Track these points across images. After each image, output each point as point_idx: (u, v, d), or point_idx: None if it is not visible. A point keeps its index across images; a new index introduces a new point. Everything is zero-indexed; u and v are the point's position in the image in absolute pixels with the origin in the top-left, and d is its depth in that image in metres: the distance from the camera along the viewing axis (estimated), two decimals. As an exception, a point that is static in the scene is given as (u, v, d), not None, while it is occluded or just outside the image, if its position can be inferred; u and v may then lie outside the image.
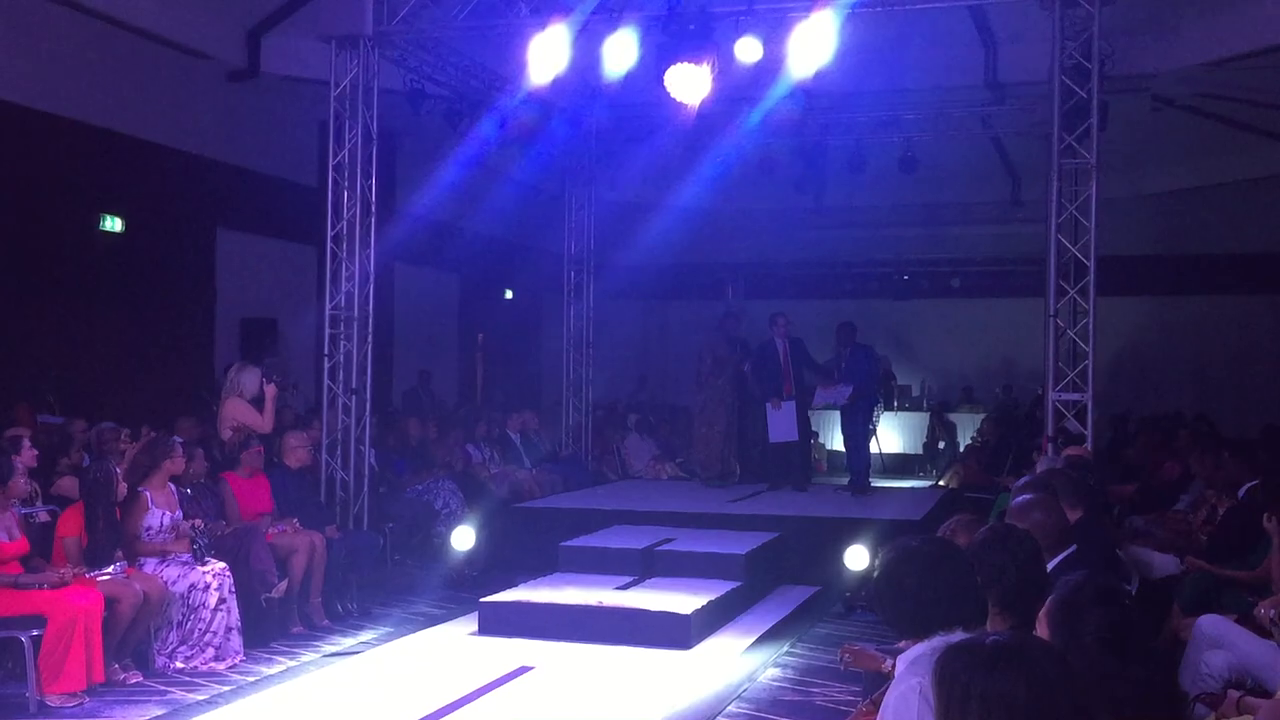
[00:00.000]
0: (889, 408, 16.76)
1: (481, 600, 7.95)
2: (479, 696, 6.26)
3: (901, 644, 3.19)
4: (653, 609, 7.49)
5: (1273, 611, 4.34)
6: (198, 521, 7.30)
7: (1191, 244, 18.40)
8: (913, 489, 13.33)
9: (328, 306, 10.22)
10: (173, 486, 7.24)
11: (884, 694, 3.13)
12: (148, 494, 7.04)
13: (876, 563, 2.86)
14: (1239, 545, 6.38)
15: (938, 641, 2.55)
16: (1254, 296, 18.44)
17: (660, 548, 8.87)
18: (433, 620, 8.22)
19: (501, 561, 9.67)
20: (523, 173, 14.91)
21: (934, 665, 1.76)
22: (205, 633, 6.91)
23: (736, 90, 11.29)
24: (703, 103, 9.78)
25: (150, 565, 6.95)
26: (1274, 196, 17.12)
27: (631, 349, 19.99)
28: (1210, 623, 5.19)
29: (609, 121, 14.33)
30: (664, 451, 15.16)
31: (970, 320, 19.27)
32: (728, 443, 11.67)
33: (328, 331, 10.18)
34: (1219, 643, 5.03)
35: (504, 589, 8.19)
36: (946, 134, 13.63)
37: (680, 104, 9.66)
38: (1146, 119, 13.90)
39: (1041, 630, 2.74)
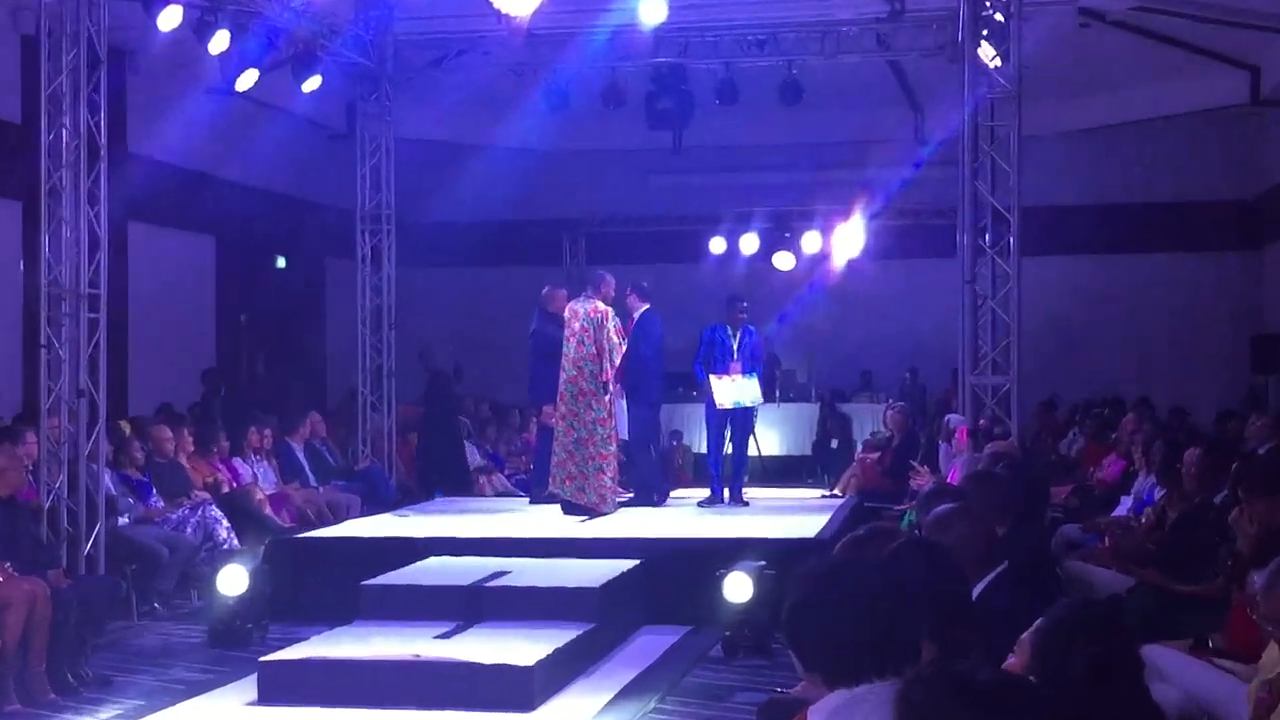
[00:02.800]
0: (770, 398, 17.06)
1: (261, 660, 7.85)
2: (263, 784, 6.18)
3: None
4: (484, 661, 7.51)
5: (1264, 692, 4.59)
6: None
7: (1127, 190, 19.23)
8: (801, 499, 13.62)
9: (43, 281, 9.86)
10: None
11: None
12: None
13: (791, 592, 2.90)
14: (1195, 557, 6.73)
15: (862, 691, 2.62)
16: (1200, 254, 19.40)
17: (491, 583, 8.88)
18: (197, 689, 8.07)
19: (285, 609, 9.54)
20: (299, 105, 14.65)
21: (923, 706, 1.82)
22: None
23: (577, 2, 11.34)
24: (534, 17, 9.80)
25: None
26: (1223, 131, 18.02)
27: (445, 329, 19.86)
28: (1157, 654, 5.47)
29: (411, 40, 14.20)
30: (492, 460, 15.15)
31: (869, 288, 19.71)
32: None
33: (44, 313, 9.83)
34: (1168, 677, 5.31)
35: (289, 645, 8.10)
36: (836, 56, 13.94)
37: (505, 18, 9.66)
38: (1073, 39, 14.48)
39: (1020, 658, 2.88)
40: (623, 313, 11.91)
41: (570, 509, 11.40)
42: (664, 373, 12.37)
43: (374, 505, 12.93)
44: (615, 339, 11.40)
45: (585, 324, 11.33)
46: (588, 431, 11.35)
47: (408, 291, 15.11)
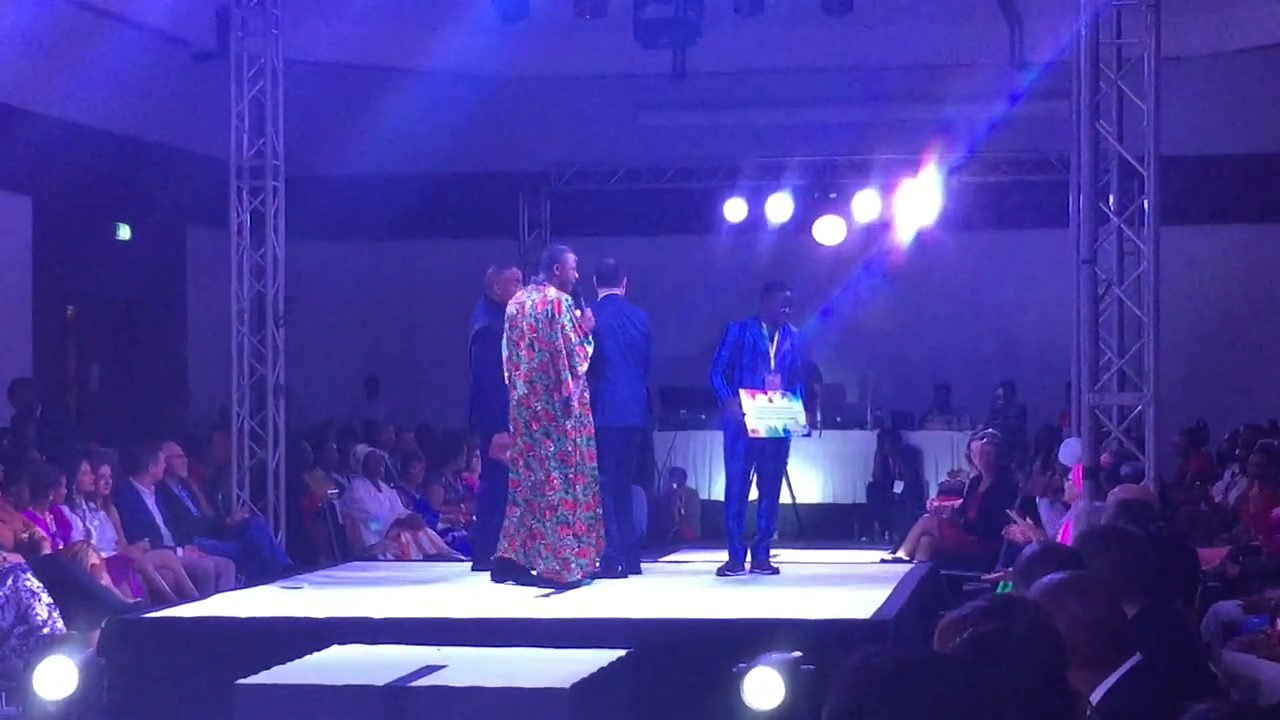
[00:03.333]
0: (811, 425, 17.12)
1: (96, 790, 7.88)
2: None
3: None
4: (410, 793, 7.53)
5: None
6: None
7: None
8: (852, 565, 13.65)
9: None
10: None
11: None
12: None
13: (836, 696, 2.90)
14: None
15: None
16: None
17: (418, 682, 8.85)
18: (6, 830, 8.10)
19: (130, 718, 9.51)
20: (151, 14, 14.65)
21: None
22: None
23: None
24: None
25: None
26: None
27: (354, 326, 19.87)
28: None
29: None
30: (419, 510, 15.15)
31: (946, 270, 19.72)
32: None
33: None
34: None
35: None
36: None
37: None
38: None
39: None
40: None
41: (518, 577, 11.38)
42: (637, 384, 12.28)
43: (254, 573, 12.93)
44: (574, 336, 11.31)
45: (533, 322, 11.27)
46: (545, 472, 11.31)
47: (302, 273, 15.08)
